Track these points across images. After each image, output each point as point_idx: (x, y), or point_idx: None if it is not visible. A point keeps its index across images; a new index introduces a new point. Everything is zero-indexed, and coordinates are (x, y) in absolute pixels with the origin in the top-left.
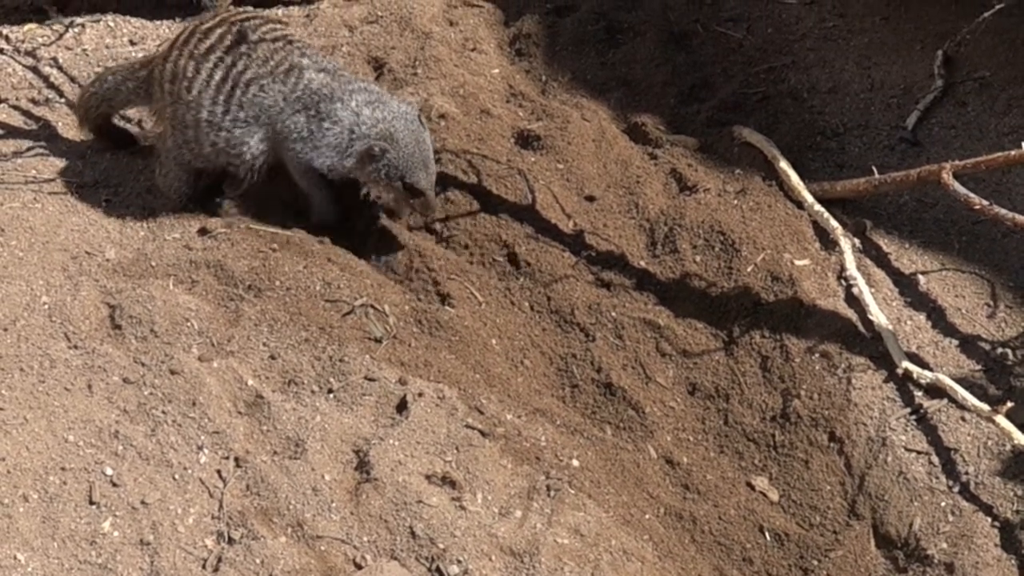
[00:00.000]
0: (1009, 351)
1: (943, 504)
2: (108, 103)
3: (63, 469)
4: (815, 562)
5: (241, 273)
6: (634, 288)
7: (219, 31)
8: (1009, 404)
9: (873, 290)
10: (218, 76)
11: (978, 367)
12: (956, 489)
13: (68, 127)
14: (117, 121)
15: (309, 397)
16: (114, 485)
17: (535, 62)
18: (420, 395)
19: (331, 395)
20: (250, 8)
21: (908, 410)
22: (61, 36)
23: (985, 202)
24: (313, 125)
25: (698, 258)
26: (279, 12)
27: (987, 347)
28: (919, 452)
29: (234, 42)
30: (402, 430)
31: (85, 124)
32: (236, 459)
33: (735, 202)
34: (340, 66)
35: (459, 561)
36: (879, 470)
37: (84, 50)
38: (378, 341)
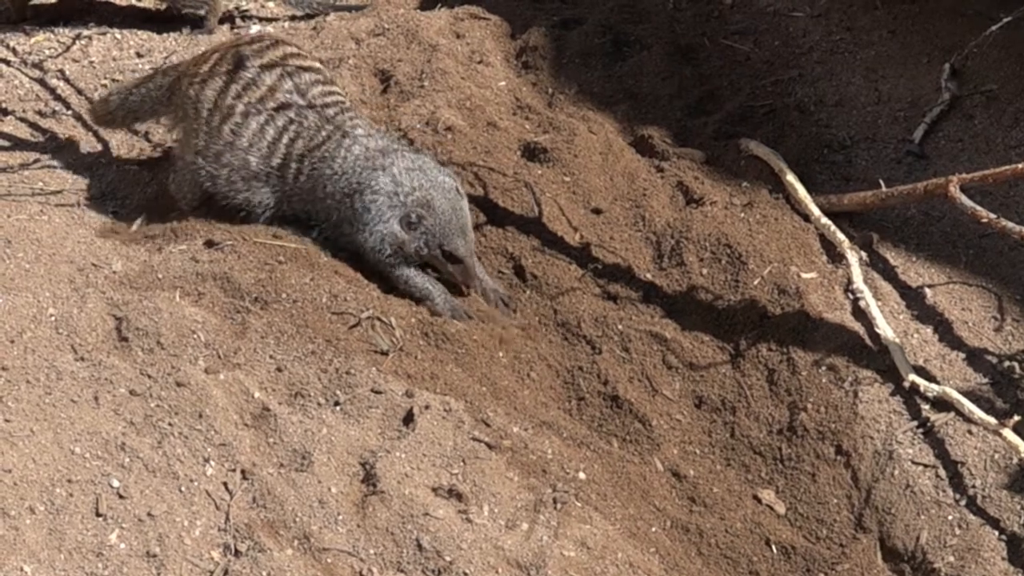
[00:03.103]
0: (1016, 364)
1: (950, 517)
2: (134, 114)
3: (69, 481)
4: (822, 575)
5: (247, 285)
6: (640, 301)
7: (268, 81)
8: (1016, 417)
9: (880, 303)
10: (269, 136)
11: (985, 380)
12: (963, 502)
13: (75, 139)
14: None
15: (315, 409)
16: (120, 497)
17: (542, 75)
18: (426, 408)
19: (337, 407)
20: (292, 44)
21: (915, 423)
22: (68, 48)
23: (992, 215)
24: (356, 200)
25: (705, 271)
26: (285, 25)
27: (994, 360)
28: (926, 465)
29: (283, 104)
30: (408, 443)
31: (103, 126)
32: (242, 471)
33: (742, 215)
34: (384, 133)
35: (465, 574)
36: (886, 483)
37: (91, 62)
38: (384, 354)
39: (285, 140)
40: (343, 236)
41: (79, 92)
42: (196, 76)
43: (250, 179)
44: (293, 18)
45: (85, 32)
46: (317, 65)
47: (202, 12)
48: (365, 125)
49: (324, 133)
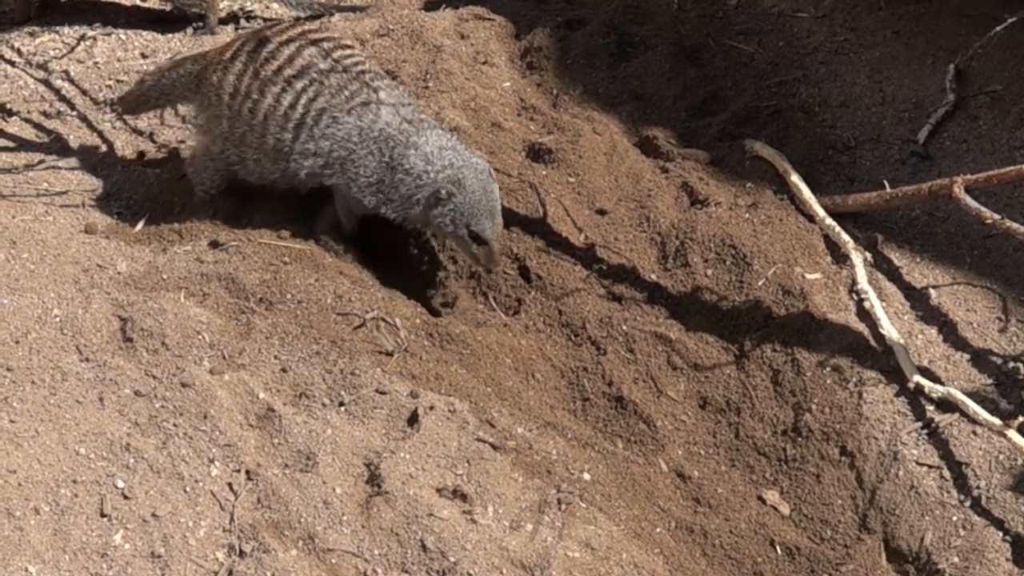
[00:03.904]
0: (1020, 365)
1: (954, 518)
2: (166, 96)
3: (74, 482)
4: None
5: (252, 286)
6: (645, 302)
7: (287, 52)
8: (1020, 418)
9: (884, 304)
10: (287, 102)
11: (989, 381)
12: (967, 503)
13: (80, 140)
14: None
15: (320, 410)
16: (125, 498)
17: (546, 75)
18: (431, 408)
19: (342, 408)
20: (312, 25)
21: (919, 424)
22: (72, 49)
23: (997, 216)
24: (385, 175)
25: (709, 272)
26: None
27: (998, 361)
28: (930, 466)
29: (303, 68)
30: (413, 443)
31: (134, 110)
32: (247, 472)
33: (746, 216)
34: (413, 102)
35: (470, 575)
36: (890, 484)
37: (95, 63)
38: (389, 354)
39: (304, 100)
40: (340, 179)
41: (84, 93)
42: (219, 63)
43: (270, 150)
44: (298, 19)
45: (90, 33)
46: (336, 35)
47: (201, 10)
48: (390, 86)
49: (349, 91)
